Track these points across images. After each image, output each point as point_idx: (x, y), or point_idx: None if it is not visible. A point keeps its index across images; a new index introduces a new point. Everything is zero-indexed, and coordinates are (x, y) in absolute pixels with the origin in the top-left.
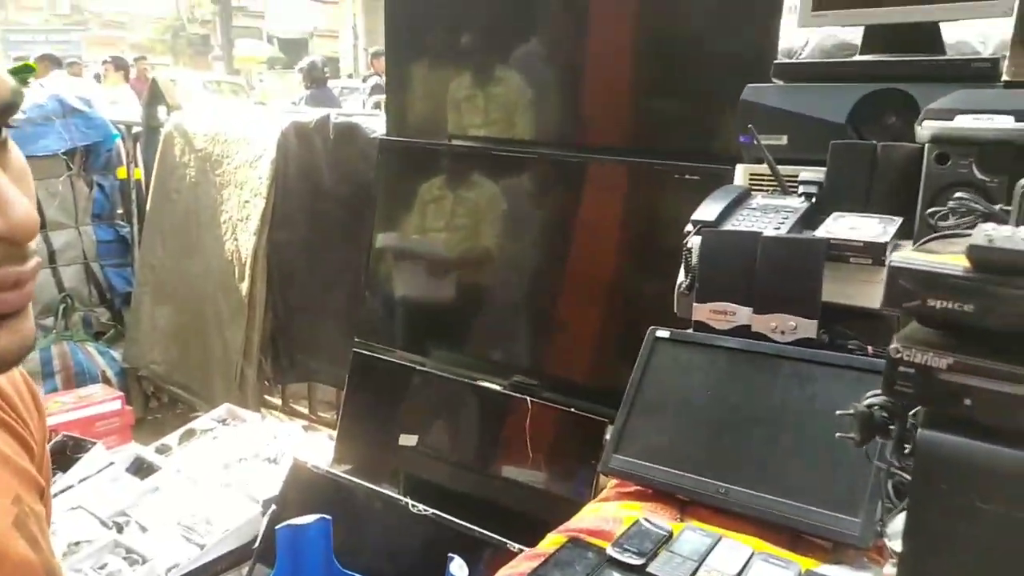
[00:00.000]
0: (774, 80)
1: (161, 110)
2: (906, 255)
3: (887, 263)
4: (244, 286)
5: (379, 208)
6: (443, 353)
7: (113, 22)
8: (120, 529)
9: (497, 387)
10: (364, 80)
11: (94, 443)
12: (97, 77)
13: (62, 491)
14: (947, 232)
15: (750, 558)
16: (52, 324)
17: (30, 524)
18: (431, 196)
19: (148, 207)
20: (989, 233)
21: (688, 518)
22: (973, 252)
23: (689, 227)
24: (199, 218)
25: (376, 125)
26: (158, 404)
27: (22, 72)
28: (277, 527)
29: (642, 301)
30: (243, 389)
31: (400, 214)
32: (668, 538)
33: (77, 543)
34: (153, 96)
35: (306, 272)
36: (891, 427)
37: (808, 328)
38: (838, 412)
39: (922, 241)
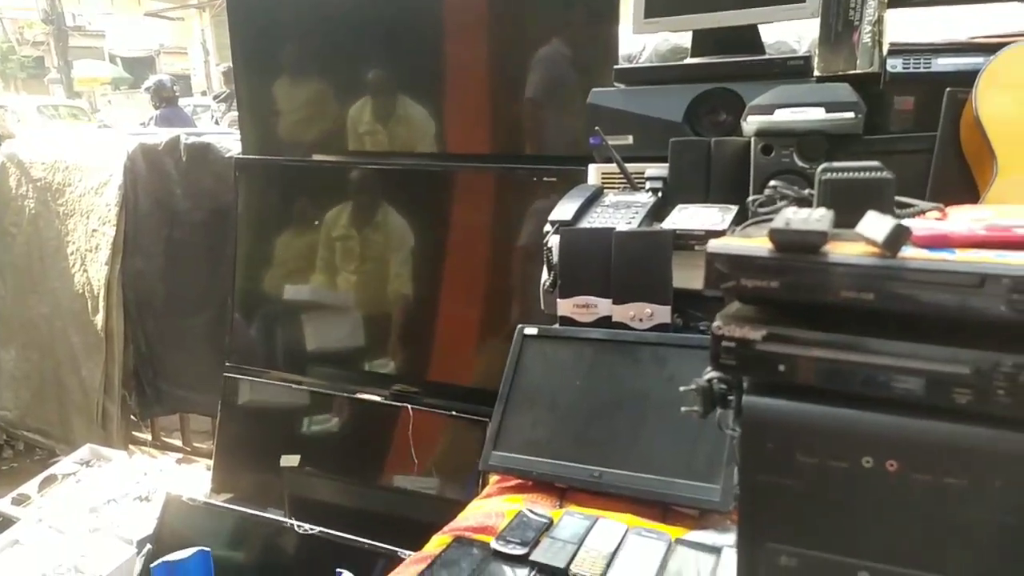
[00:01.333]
0: (616, 84)
1: None
2: (721, 242)
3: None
4: (99, 319)
5: (240, 228)
6: (320, 369)
7: None
8: None
9: (378, 398)
10: (215, 98)
11: None
12: None
13: None
14: (761, 218)
15: (625, 534)
16: None
17: None
18: (295, 212)
19: None
20: (788, 217)
21: (567, 504)
22: (772, 235)
23: (548, 227)
24: (42, 251)
25: (231, 144)
26: (12, 452)
27: None
28: (152, 565)
29: (513, 301)
30: (106, 427)
31: (264, 232)
32: (549, 525)
33: None
34: None
35: (166, 300)
36: (730, 398)
37: (663, 314)
38: (682, 388)
39: (741, 227)
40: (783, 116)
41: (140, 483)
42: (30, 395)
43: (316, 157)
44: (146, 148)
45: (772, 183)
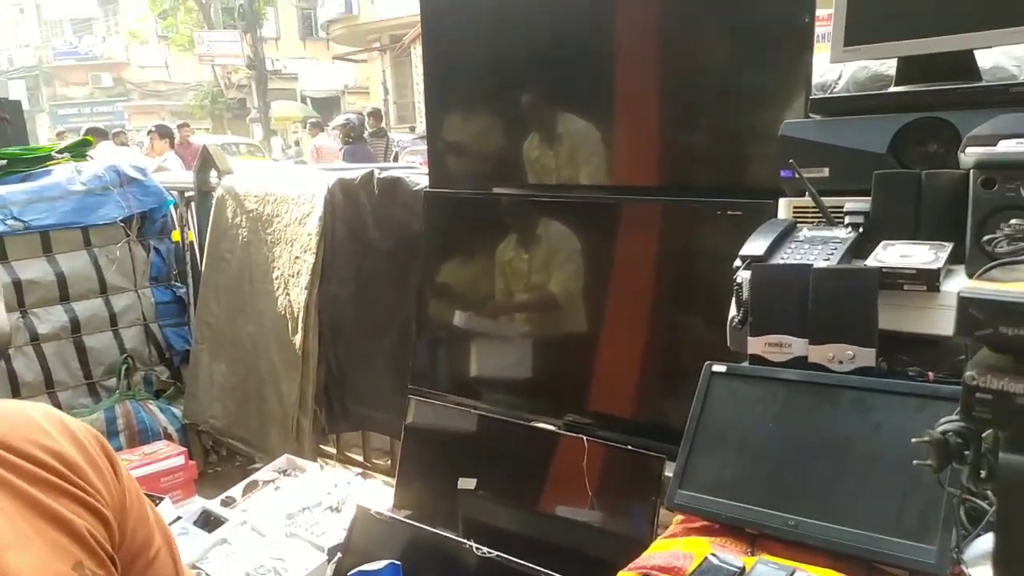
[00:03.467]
0: (811, 115)
1: (212, 175)
2: (974, 285)
3: (942, 290)
4: (297, 339)
5: (425, 257)
6: (495, 396)
7: (153, 92)
8: None
9: (551, 427)
10: (371, 135)
11: (162, 498)
12: (140, 145)
13: None
14: (1006, 260)
15: None
16: (115, 384)
17: None
18: (475, 243)
19: (203, 267)
20: None
21: (759, 551)
22: None
23: (738, 262)
24: (252, 275)
25: (419, 178)
26: (217, 457)
27: (81, 146)
28: (349, 574)
29: (690, 336)
30: (300, 440)
31: (446, 262)
32: (740, 573)
33: None
34: (204, 162)
35: (356, 324)
36: (966, 452)
37: (866, 356)
38: (913, 440)
39: (983, 270)
40: (1009, 147)
41: (331, 494)
42: (236, 406)
43: (496, 190)
44: (344, 182)
45: (1013, 221)
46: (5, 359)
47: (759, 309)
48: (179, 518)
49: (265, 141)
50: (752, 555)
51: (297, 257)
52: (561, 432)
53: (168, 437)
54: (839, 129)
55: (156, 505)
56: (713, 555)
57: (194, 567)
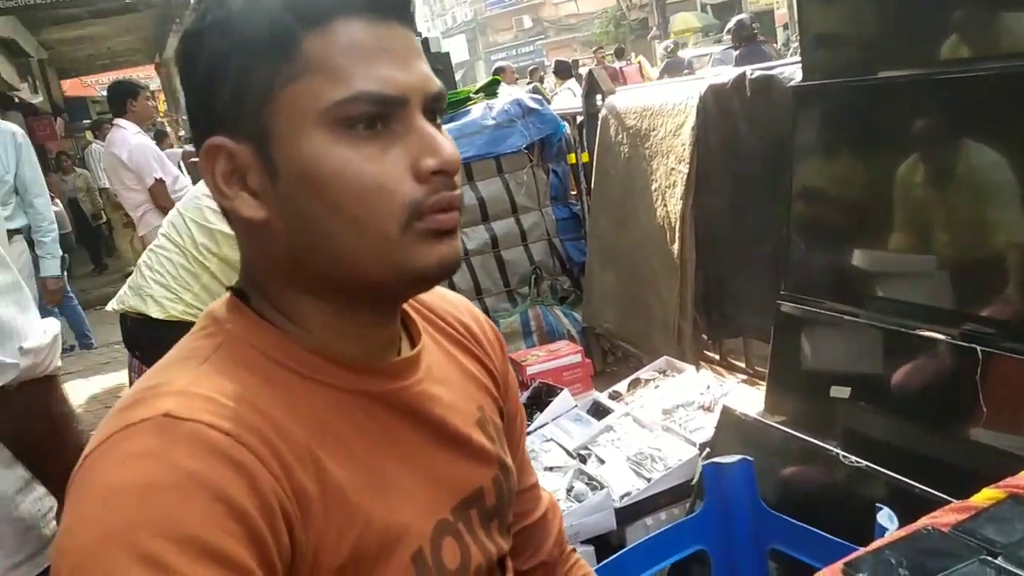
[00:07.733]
0: None
1: (598, 98)
2: None
3: None
4: (675, 248)
5: (796, 157)
6: (878, 302)
7: (566, 26)
8: (583, 460)
9: (941, 336)
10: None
11: (562, 389)
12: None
13: (539, 427)
14: None
15: None
16: (527, 292)
17: (488, 428)
18: (855, 137)
19: (592, 185)
20: None
21: None
22: None
23: None
24: (633, 189)
25: (794, 73)
26: (613, 358)
27: (492, 85)
28: (703, 463)
29: None
30: (680, 344)
31: (820, 161)
32: None
33: (551, 468)
34: (591, 86)
35: (731, 230)
36: None
37: None
38: None
39: None
40: None
41: (703, 394)
42: (623, 311)
43: (882, 74)
44: (715, 88)
45: None
46: None
47: None
48: (575, 406)
49: None
50: None
51: (672, 168)
52: (951, 341)
53: (571, 338)
54: None
55: (556, 395)
56: None
57: (586, 448)
